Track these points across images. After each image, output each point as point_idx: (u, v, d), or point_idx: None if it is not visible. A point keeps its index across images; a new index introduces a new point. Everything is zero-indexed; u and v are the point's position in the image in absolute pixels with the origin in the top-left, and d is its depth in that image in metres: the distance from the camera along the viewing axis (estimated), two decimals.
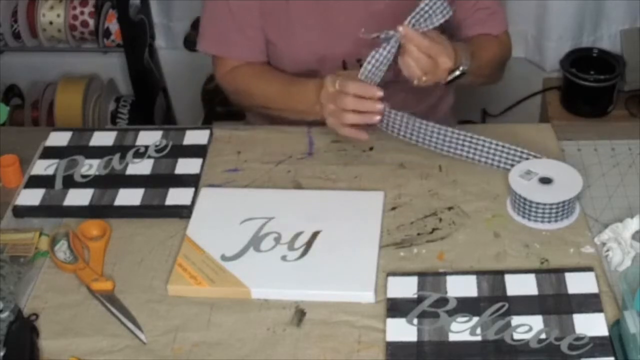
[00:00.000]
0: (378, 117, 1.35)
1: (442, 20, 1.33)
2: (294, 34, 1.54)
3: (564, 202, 1.25)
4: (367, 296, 1.17)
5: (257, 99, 1.58)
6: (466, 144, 1.38)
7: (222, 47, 1.58)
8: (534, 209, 1.26)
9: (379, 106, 1.34)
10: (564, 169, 1.32)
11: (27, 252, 1.27)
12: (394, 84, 1.41)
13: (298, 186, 1.38)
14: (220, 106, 2.40)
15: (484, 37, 1.56)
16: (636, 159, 1.40)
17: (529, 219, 1.27)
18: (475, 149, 1.37)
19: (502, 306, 1.13)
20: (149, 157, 1.45)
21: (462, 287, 1.16)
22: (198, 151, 1.46)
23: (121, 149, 1.47)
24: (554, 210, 1.25)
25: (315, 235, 1.26)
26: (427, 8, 1.31)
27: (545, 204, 1.25)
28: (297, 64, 1.56)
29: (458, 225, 1.28)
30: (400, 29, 1.30)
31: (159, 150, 1.46)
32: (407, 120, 1.38)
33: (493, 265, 1.21)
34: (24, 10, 2.36)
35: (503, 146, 1.36)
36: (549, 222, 1.26)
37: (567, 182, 1.28)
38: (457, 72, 1.39)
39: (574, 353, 1.05)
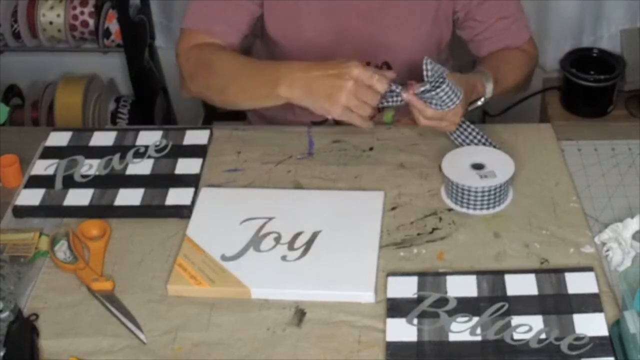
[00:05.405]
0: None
1: (450, 108, 1.31)
2: (302, 35, 1.53)
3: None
4: (367, 296, 1.17)
5: (216, 74, 1.45)
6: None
7: (208, 24, 1.50)
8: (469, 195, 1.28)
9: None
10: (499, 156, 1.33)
11: (27, 252, 1.27)
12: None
13: (298, 186, 1.38)
14: None
15: (509, 53, 1.54)
16: (636, 159, 1.41)
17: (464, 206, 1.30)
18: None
19: (502, 306, 1.13)
20: (149, 157, 1.45)
21: (462, 287, 1.16)
22: (198, 151, 1.46)
23: (121, 149, 1.47)
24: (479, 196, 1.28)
25: (315, 235, 1.26)
26: (442, 94, 1.28)
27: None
28: None
29: (458, 225, 1.28)
30: (405, 95, 1.31)
31: (159, 150, 1.46)
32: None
33: (493, 265, 1.21)
34: (24, 10, 2.35)
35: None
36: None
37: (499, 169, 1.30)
38: (479, 103, 1.42)
39: (574, 353, 1.06)
